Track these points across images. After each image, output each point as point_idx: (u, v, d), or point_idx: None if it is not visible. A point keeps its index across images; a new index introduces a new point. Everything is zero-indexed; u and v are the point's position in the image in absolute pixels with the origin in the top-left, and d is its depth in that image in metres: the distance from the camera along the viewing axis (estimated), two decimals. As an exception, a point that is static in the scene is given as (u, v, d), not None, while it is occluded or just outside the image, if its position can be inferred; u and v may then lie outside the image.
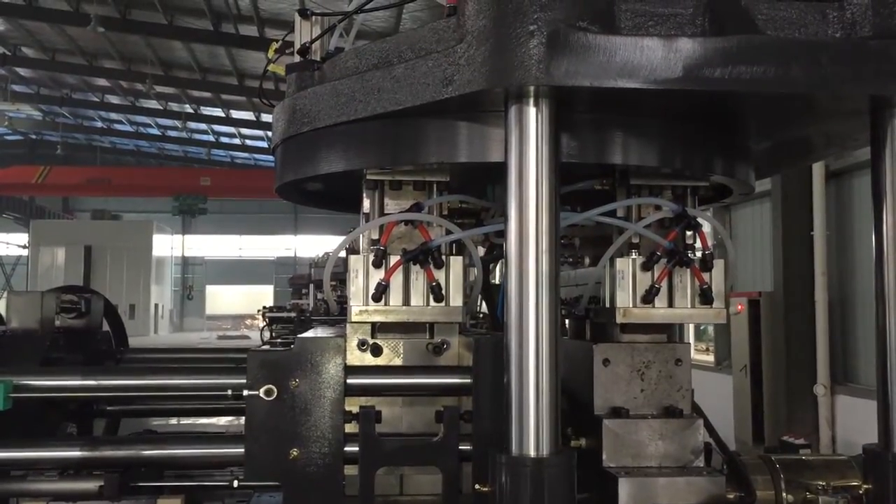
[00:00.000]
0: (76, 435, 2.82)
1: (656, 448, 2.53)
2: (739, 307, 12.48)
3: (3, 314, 2.84)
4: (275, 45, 3.01)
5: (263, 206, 47.40)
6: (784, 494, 2.63)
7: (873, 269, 2.36)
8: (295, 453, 2.38)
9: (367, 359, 2.63)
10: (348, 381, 2.46)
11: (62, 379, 2.44)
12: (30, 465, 2.49)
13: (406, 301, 2.49)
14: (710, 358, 15.34)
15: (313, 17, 2.83)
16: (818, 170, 11.71)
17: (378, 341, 2.64)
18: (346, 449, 2.43)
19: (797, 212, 12.23)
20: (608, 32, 2.01)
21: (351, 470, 2.46)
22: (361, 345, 2.63)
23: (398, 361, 2.65)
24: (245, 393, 2.36)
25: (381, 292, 2.46)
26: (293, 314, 17.21)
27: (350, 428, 2.46)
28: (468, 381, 2.46)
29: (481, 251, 3.02)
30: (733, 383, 13.23)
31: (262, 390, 2.36)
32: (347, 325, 2.64)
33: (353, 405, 2.49)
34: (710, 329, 15.78)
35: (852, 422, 11.25)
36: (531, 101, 2.07)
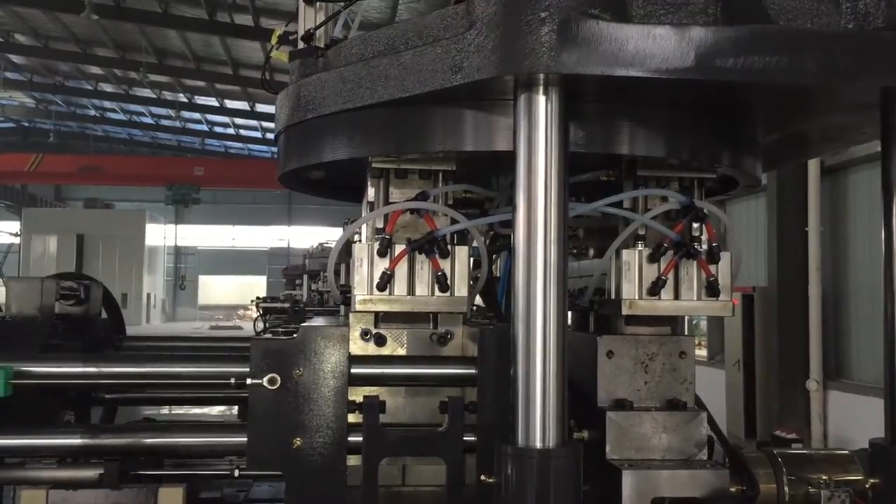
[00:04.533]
0: (76, 423, 2.79)
1: (660, 441, 2.52)
2: (733, 301, 12.48)
3: (2, 300, 2.81)
4: (278, 32, 2.98)
5: (257, 197, 47.36)
6: (786, 488, 2.63)
7: (874, 263, 2.37)
8: (298, 443, 2.36)
9: (371, 348, 2.61)
10: (352, 370, 2.44)
11: (63, 366, 2.41)
12: (30, 453, 2.46)
13: (411, 291, 2.47)
14: (703, 352, 15.39)
15: (317, 3, 2.81)
16: (813, 166, 11.75)
17: (382, 331, 2.62)
18: (350, 439, 2.41)
19: (792, 207, 12.28)
20: (620, 20, 1.99)
21: (353, 460, 2.44)
22: (364, 334, 2.61)
23: (402, 351, 2.63)
24: (248, 381, 2.34)
25: (385, 281, 2.44)
26: (287, 305, 17.18)
27: (353, 418, 2.45)
28: (473, 371, 2.45)
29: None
30: (726, 378, 13.29)
31: (265, 379, 2.34)
32: (350, 315, 2.62)
33: (356, 395, 2.47)
34: (703, 323, 15.83)
35: (844, 417, 11.30)
36: (541, 89, 2.05)
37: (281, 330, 2.66)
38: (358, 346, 2.59)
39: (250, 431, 2.37)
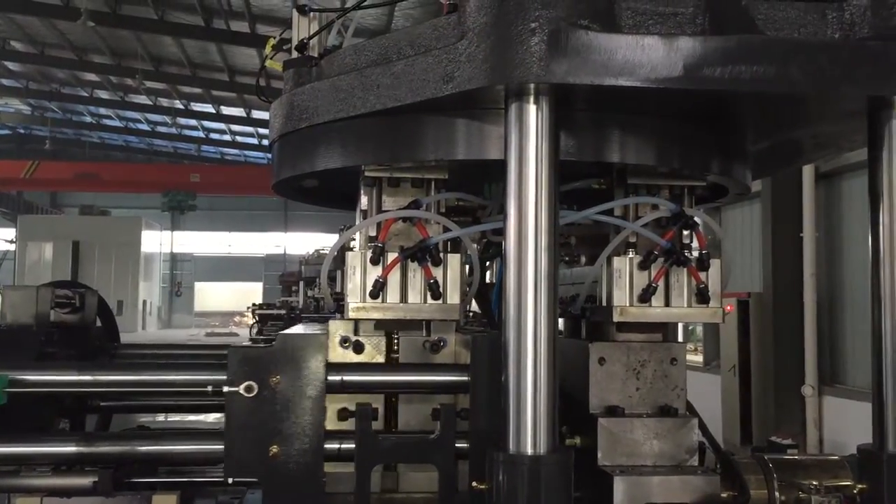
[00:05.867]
0: (70, 430, 2.79)
1: (651, 447, 2.53)
2: (728, 307, 12.52)
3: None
4: (272, 41, 3.00)
5: (253, 203, 47.29)
6: (777, 494, 2.64)
7: (869, 269, 2.38)
8: (275, 450, 2.37)
9: (350, 356, 2.63)
10: (329, 377, 2.45)
11: (58, 374, 2.41)
12: (25, 461, 2.47)
13: (403, 298, 2.49)
14: (699, 358, 15.40)
15: (311, 13, 2.83)
16: (808, 171, 11.78)
17: (360, 338, 2.64)
18: (327, 446, 2.42)
19: (787, 213, 12.30)
20: (609, 31, 2.02)
21: (332, 468, 2.47)
22: (343, 342, 2.62)
23: (380, 358, 2.65)
24: (225, 389, 2.36)
25: (378, 289, 2.45)
26: (283, 311, 17.18)
27: (333, 425, 2.47)
28: (452, 378, 2.48)
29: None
30: (722, 383, 13.29)
31: (242, 386, 2.36)
32: (329, 323, 2.66)
33: (334, 402, 2.50)
34: (699, 329, 15.85)
35: (839, 423, 11.31)
36: (531, 98, 2.07)
37: (262, 338, 2.67)
38: (337, 354, 2.61)
39: (227, 438, 2.38)
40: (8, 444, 2.46)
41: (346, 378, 2.50)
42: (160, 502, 2.37)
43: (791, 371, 12.06)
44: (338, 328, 2.63)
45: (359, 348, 2.63)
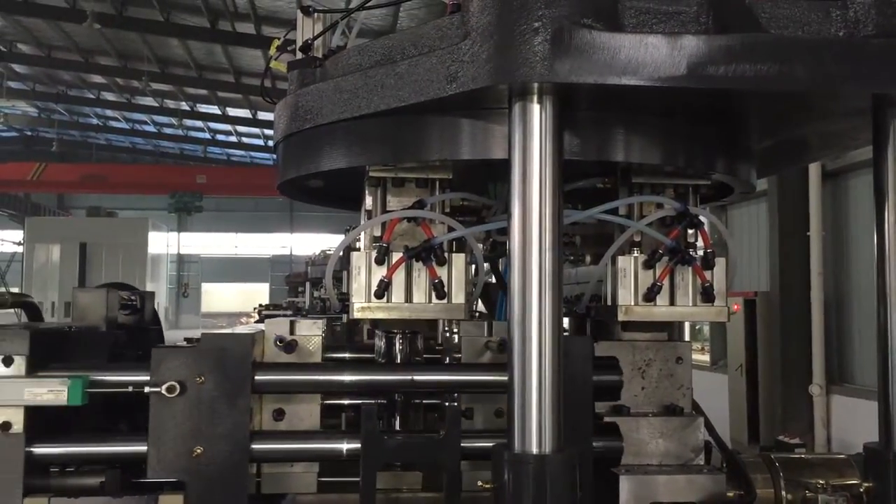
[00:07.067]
0: (75, 431, 2.78)
1: (657, 446, 2.54)
2: (735, 307, 12.48)
3: (70, 310, 2.82)
4: (277, 42, 3.01)
5: (259, 204, 47.37)
6: (783, 493, 2.64)
7: (874, 267, 2.37)
8: (198, 451, 2.36)
9: (281, 356, 2.62)
10: (256, 377, 2.44)
11: (136, 374, 2.41)
12: (94, 461, 2.45)
13: (408, 298, 2.49)
14: (706, 357, 15.36)
15: (315, 14, 2.84)
16: (814, 170, 11.74)
17: (296, 338, 2.63)
18: (253, 447, 2.42)
19: (793, 212, 12.26)
20: (612, 30, 2.02)
21: (270, 468, 2.53)
22: (279, 341, 2.62)
23: (315, 359, 2.64)
24: (146, 390, 2.35)
25: (383, 289, 2.46)
26: (289, 312, 17.19)
27: (269, 426, 2.51)
28: (356, 378, 2.52)
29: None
30: (729, 383, 13.26)
31: (164, 387, 2.35)
32: (265, 322, 2.66)
33: (269, 403, 2.55)
34: (706, 328, 15.81)
35: (847, 422, 11.28)
36: (535, 97, 2.07)
37: (195, 338, 2.67)
38: (271, 354, 2.60)
39: (151, 439, 2.37)
40: (79, 444, 2.49)
41: (272, 378, 2.50)
42: (167, 502, 2.37)
43: (798, 370, 12.02)
44: (274, 328, 2.63)
45: (290, 348, 2.61)
